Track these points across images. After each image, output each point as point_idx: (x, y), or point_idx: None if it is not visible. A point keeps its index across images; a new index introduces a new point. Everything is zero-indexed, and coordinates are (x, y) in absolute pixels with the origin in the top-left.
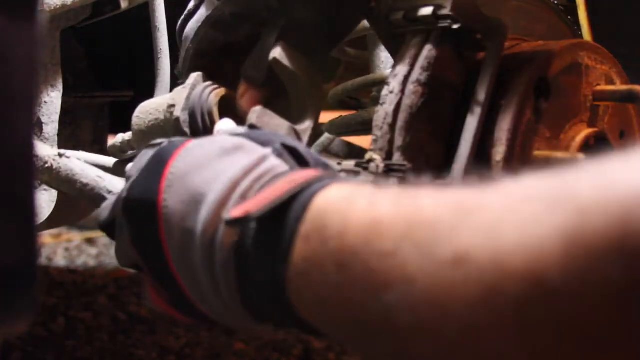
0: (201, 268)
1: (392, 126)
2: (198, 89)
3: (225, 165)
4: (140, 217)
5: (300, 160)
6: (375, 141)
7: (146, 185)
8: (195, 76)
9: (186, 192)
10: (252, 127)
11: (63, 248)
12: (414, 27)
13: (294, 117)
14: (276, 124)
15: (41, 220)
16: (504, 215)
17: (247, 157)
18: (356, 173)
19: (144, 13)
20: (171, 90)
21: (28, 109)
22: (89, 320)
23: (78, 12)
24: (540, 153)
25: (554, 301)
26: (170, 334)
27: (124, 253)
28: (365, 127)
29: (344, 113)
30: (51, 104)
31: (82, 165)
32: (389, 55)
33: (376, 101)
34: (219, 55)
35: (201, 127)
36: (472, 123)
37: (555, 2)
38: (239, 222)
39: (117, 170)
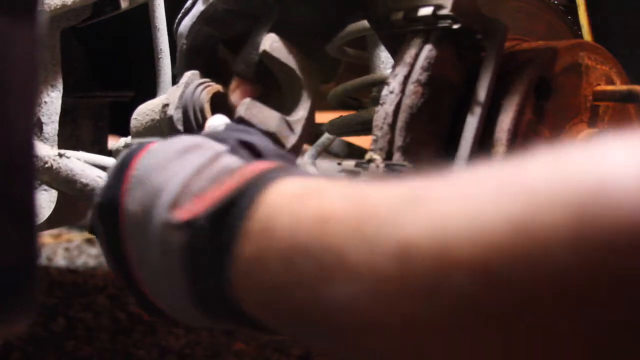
0: (158, 269)
1: (392, 126)
2: (191, 86)
3: (180, 166)
4: (106, 220)
5: (258, 154)
6: (375, 141)
7: (110, 188)
8: (189, 74)
9: (144, 194)
10: (240, 120)
11: (63, 248)
12: (414, 27)
13: (286, 108)
14: (266, 116)
15: (41, 220)
16: (451, 204)
17: (202, 155)
18: (356, 173)
19: (144, 13)
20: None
21: (28, 109)
22: (89, 320)
23: (78, 12)
24: None
25: (502, 294)
26: (170, 334)
27: (104, 255)
28: (365, 127)
29: (344, 113)
30: (51, 104)
31: (82, 165)
32: (389, 55)
33: (376, 101)
34: (213, 51)
35: (194, 124)
36: (472, 123)
37: (555, 2)
38: (186, 225)
39: None
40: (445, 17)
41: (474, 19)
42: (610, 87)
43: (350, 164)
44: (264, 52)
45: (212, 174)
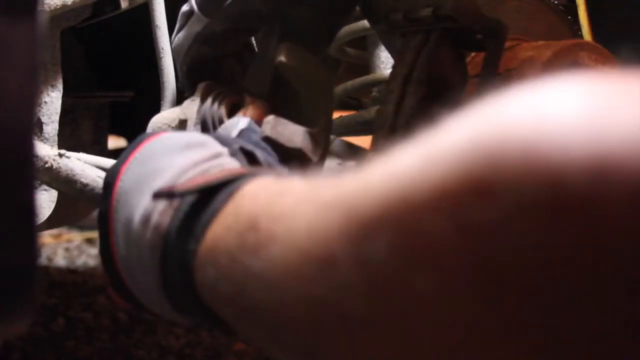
0: (134, 250)
1: (392, 126)
2: (207, 101)
3: (181, 157)
4: (104, 195)
5: (256, 164)
6: (375, 141)
7: (115, 165)
8: (203, 86)
9: (140, 175)
10: (266, 139)
11: (63, 248)
12: (414, 27)
13: (306, 119)
14: (291, 131)
15: (41, 220)
16: (305, 198)
17: (204, 152)
18: None
19: (144, 13)
20: (177, 90)
21: (28, 109)
22: (89, 320)
23: (78, 12)
24: None
25: (401, 221)
26: (170, 334)
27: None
28: (365, 127)
29: (344, 113)
30: (51, 104)
31: (82, 165)
32: (389, 55)
33: (376, 101)
34: (218, 66)
35: None
36: None
37: (555, 2)
38: (162, 195)
39: None
40: (445, 17)
41: (473, 19)
42: None
43: (350, 164)
44: (281, 62)
45: (207, 168)
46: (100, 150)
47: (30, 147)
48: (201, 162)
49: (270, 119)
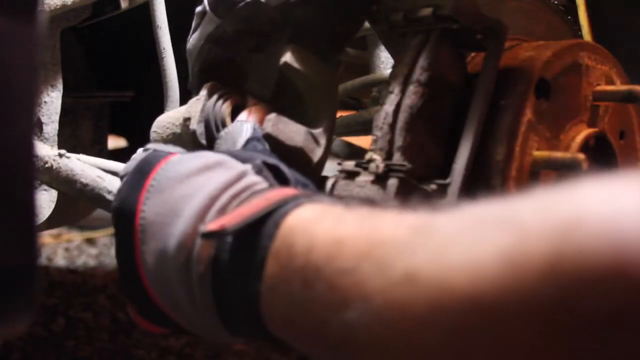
0: (176, 279)
1: (392, 126)
2: (212, 99)
3: (204, 181)
4: (120, 226)
5: (281, 178)
6: (375, 141)
7: (127, 195)
8: (208, 86)
9: (164, 205)
10: (267, 136)
11: (63, 248)
12: (414, 28)
13: (309, 121)
14: (292, 130)
15: (41, 220)
16: (453, 237)
17: (227, 173)
18: (356, 173)
19: (145, 13)
20: (180, 89)
21: (28, 109)
22: (89, 320)
23: (78, 12)
24: (540, 153)
25: (490, 321)
26: (170, 334)
27: (116, 259)
28: (365, 127)
29: (344, 113)
30: (51, 104)
31: (82, 165)
32: (389, 55)
33: (376, 101)
34: (225, 67)
35: (216, 137)
36: (472, 123)
37: (555, 2)
38: (214, 235)
39: None
40: (445, 17)
41: (473, 19)
42: (610, 87)
43: (350, 164)
44: (285, 63)
45: (236, 192)
46: (100, 150)
47: (30, 147)
48: (230, 184)
49: (272, 116)
